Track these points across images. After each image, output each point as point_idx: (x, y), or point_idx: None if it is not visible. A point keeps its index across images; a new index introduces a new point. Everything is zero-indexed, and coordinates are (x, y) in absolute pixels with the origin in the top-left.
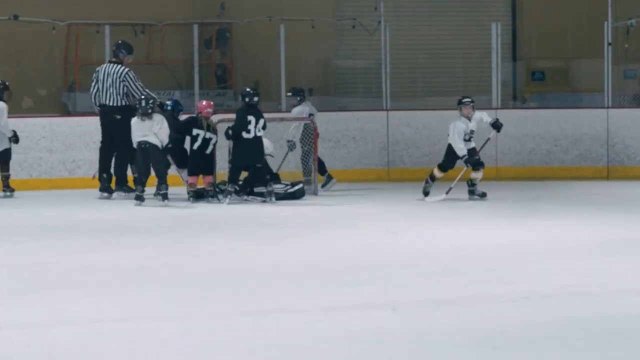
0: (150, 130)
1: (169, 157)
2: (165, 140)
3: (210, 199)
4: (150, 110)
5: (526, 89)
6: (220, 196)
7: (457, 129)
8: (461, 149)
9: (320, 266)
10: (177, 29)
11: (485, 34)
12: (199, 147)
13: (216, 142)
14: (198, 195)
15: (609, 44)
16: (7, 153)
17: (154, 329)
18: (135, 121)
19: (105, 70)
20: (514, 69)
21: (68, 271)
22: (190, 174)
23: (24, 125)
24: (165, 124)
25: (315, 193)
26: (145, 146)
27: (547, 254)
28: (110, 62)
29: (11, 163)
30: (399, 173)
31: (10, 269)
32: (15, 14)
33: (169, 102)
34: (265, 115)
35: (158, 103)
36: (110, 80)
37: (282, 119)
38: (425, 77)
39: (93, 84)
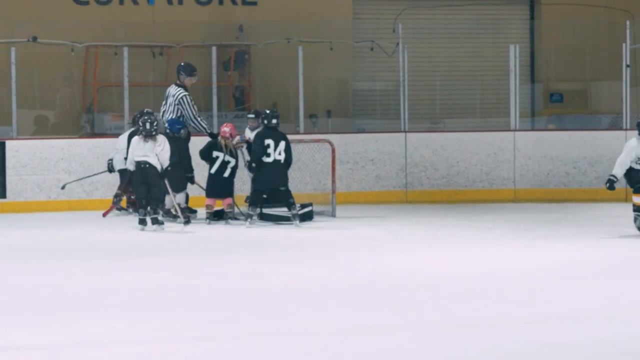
0: (151, 151)
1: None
2: (166, 163)
3: (229, 220)
4: (154, 133)
5: (544, 110)
6: (242, 218)
7: (630, 149)
8: (617, 168)
9: (338, 288)
10: (195, 50)
11: (503, 56)
12: (217, 169)
13: (235, 165)
14: (216, 216)
15: (627, 65)
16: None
17: (172, 350)
18: (136, 140)
19: (169, 91)
20: (532, 91)
21: (86, 293)
22: (208, 195)
23: (42, 146)
24: (167, 146)
25: (333, 215)
26: (145, 166)
27: (566, 276)
28: (175, 83)
29: (30, 184)
30: (417, 195)
31: (28, 290)
32: (34, 36)
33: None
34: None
35: (208, 132)
36: (169, 101)
37: (300, 141)
38: (443, 99)
39: (163, 103)
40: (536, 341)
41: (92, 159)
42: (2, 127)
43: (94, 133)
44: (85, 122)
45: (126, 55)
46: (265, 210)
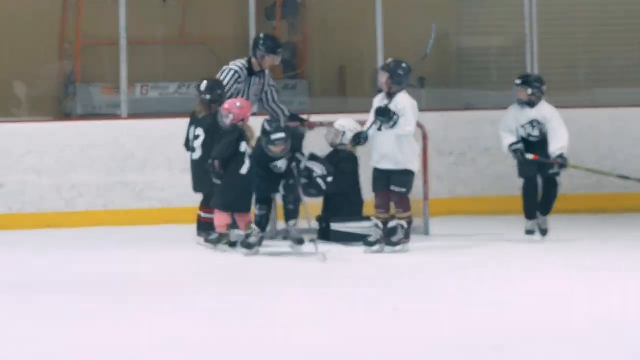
0: None
1: None
2: None
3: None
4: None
5: None
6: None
7: None
8: None
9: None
10: None
11: None
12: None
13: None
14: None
15: None
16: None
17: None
18: None
19: None
20: None
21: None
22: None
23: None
24: None
25: (425, 232)
26: None
27: None
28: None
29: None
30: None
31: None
32: None
33: None
34: (355, 116)
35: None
36: None
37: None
38: (590, 59)
39: None
40: None
41: (76, 152)
42: None
43: (77, 114)
44: (64, 98)
45: (124, 1)
46: (336, 227)
